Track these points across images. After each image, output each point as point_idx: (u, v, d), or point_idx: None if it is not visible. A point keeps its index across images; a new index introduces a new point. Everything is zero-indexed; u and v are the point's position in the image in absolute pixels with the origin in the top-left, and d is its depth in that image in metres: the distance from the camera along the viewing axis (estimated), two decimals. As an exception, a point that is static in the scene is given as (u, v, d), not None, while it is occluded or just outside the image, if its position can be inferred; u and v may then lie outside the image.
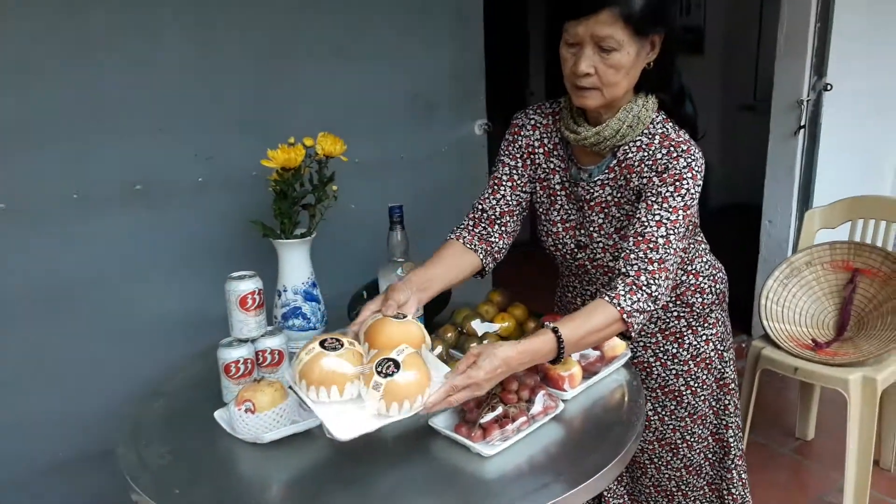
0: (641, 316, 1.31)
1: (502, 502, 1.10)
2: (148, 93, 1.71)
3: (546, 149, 1.52)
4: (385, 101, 2.05)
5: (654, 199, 1.36)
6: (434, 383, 1.16)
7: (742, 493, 1.77)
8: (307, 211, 1.64)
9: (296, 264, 1.63)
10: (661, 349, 1.64)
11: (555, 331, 1.26)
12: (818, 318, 2.48)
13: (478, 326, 1.58)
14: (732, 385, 1.73)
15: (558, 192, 1.53)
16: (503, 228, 1.54)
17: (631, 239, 1.35)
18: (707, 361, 1.66)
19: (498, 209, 1.53)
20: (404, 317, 1.25)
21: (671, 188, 1.35)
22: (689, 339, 1.63)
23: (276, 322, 1.64)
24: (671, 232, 1.33)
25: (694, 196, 1.36)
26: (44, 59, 1.58)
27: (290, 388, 1.19)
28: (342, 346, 1.15)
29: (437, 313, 1.77)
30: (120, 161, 1.70)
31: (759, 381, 2.47)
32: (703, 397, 1.68)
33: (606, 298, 1.31)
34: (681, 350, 1.64)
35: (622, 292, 1.31)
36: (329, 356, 1.12)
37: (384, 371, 1.10)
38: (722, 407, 1.72)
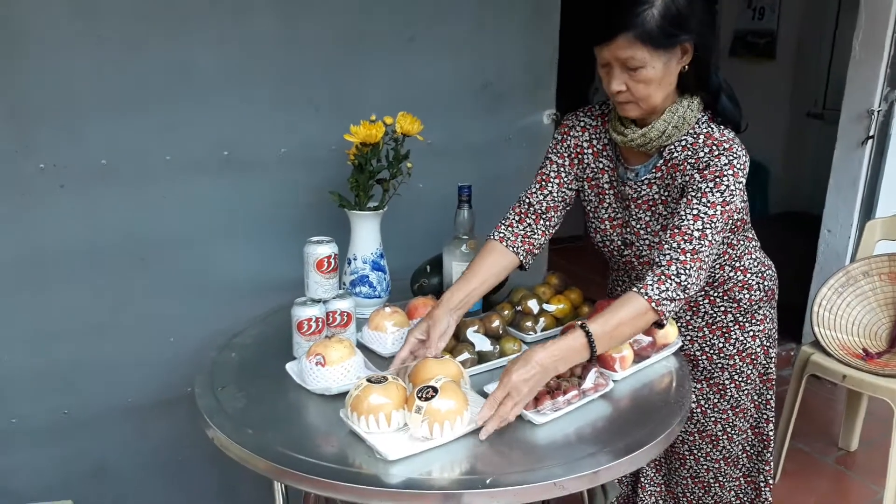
0: (672, 304, 1.35)
1: (549, 465, 1.17)
2: (236, 67, 1.82)
3: (595, 149, 1.58)
4: (457, 87, 2.12)
5: (693, 194, 1.40)
6: (472, 409, 1.24)
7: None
8: (381, 185, 1.74)
9: (366, 235, 1.73)
10: (708, 343, 1.69)
11: (583, 326, 1.32)
12: (871, 328, 2.48)
13: (534, 306, 1.66)
14: (774, 380, 1.76)
15: (606, 192, 1.58)
16: (547, 223, 1.60)
17: (668, 231, 1.40)
18: (753, 357, 1.70)
19: (544, 204, 1.59)
20: (443, 356, 1.34)
21: (711, 184, 1.38)
22: (735, 333, 1.67)
23: (345, 288, 1.74)
24: (707, 226, 1.37)
25: (734, 192, 1.39)
26: (143, 36, 1.71)
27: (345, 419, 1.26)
28: (387, 380, 1.25)
29: (493, 293, 1.85)
30: (209, 129, 1.82)
31: (806, 389, 2.48)
32: (746, 391, 1.72)
33: (635, 290, 1.36)
34: (727, 345, 1.68)
35: (650, 282, 1.35)
36: (376, 390, 1.22)
37: (424, 396, 1.19)
38: (764, 401, 1.76)
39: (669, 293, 1.34)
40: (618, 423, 1.33)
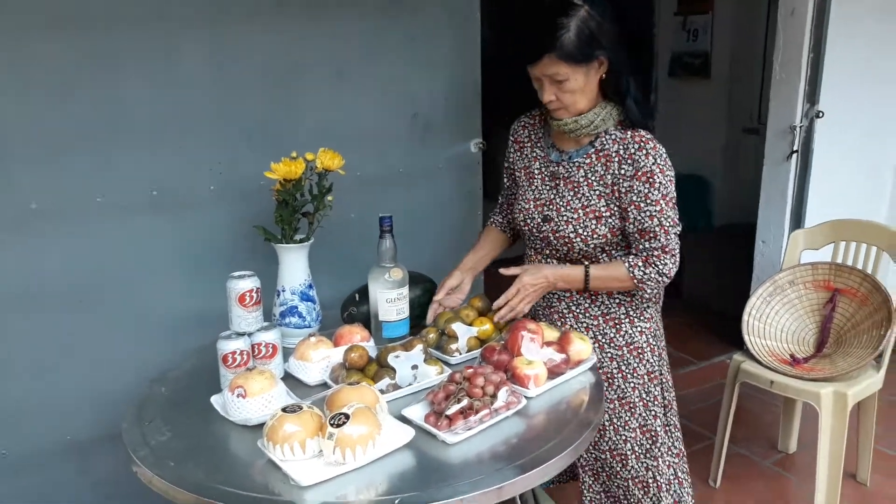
0: (651, 283, 1.71)
1: (457, 483, 1.23)
2: (166, 108, 1.88)
3: (532, 141, 1.86)
4: (386, 119, 2.20)
5: (636, 198, 1.67)
6: (385, 433, 1.30)
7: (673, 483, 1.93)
8: (306, 218, 1.80)
9: (294, 267, 1.78)
10: (601, 332, 1.85)
11: (586, 267, 1.70)
12: (798, 335, 2.58)
13: (458, 328, 1.72)
14: (662, 379, 1.91)
15: (535, 175, 1.83)
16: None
17: (636, 234, 1.70)
18: (639, 351, 1.86)
19: (511, 196, 1.96)
20: (358, 383, 1.41)
21: (647, 185, 1.66)
22: (625, 326, 1.84)
23: (274, 319, 1.79)
24: (663, 219, 1.68)
25: (667, 185, 1.68)
26: (74, 76, 1.77)
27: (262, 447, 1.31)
28: (301, 409, 1.30)
29: (424, 317, 1.92)
30: (139, 169, 1.87)
31: (747, 395, 2.56)
32: (632, 385, 1.86)
33: (626, 265, 1.70)
34: (617, 335, 1.85)
35: (639, 264, 1.70)
36: (290, 419, 1.27)
37: (336, 422, 1.25)
38: (651, 398, 1.88)
39: (651, 276, 1.70)
40: (529, 439, 1.39)
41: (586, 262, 1.75)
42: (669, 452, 1.94)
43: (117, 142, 1.83)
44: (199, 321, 1.95)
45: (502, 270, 1.77)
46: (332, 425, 1.25)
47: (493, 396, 1.42)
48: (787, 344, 2.57)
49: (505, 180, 1.97)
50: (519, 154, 1.88)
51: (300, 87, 2.05)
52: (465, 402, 1.38)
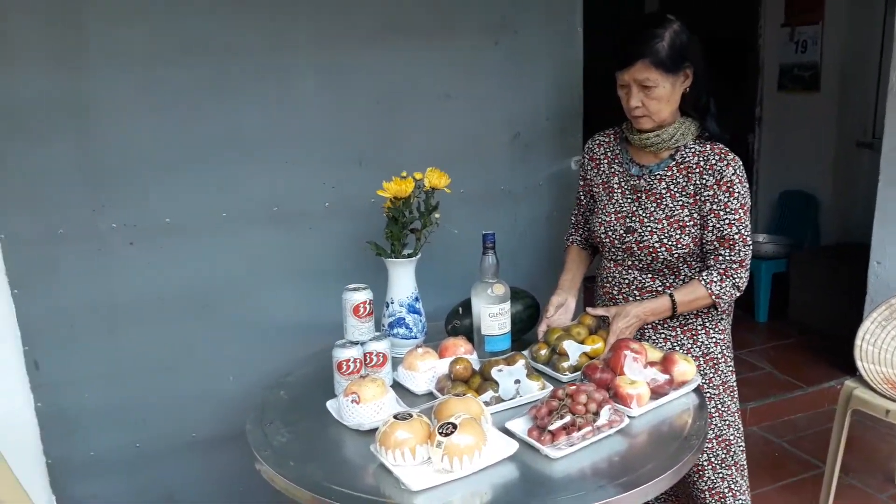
0: (727, 298, 1.77)
1: (563, 497, 1.26)
2: (284, 129, 2.03)
3: (608, 158, 1.92)
4: (488, 138, 2.27)
5: (716, 206, 1.75)
6: (490, 444, 1.35)
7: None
8: (414, 234, 1.88)
9: (402, 280, 1.87)
10: (678, 342, 1.89)
11: (671, 295, 1.77)
12: (917, 362, 2.46)
13: (569, 346, 1.75)
14: (735, 389, 1.95)
15: (615, 189, 1.89)
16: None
17: (715, 242, 1.76)
18: (714, 362, 1.90)
19: (583, 216, 2.04)
20: (464, 395, 1.47)
21: (727, 195, 1.74)
22: (702, 337, 1.89)
23: (383, 329, 1.89)
24: (741, 227, 1.75)
25: (746, 195, 1.76)
26: (201, 100, 1.94)
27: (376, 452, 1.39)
28: (411, 417, 1.37)
29: (526, 332, 1.96)
30: (261, 187, 2.02)
31: (861, 424, 2.46)
32: (708, 395, 1.88)
33: (703, 283, 1.76)
34: (694, 346, 1.89)
35: (715, 279, 1.76)
36: (401, 426, 1.35)
37: (444, 431, 1.31)
38: (725, 408, 1.91)
39: (727, 289, 1.76)
40: (631, 458, 1.41)
41: (671, 281, 1.83)
42: (741, 463, 1.97)
43: (241, 161, 1.99)
44: (313, 329, 2.07)
45: (589, 310, 1.84)
46: (440, 434, 1.31)
47: (596, 414, 1.45)
48: (904, 371, 2.45)
49: (580, 197, 2.04)
50: (596, 171, 1.94)
51: (408, 108, 2.15)
52: (567, 418, 1.41)
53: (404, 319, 1.87)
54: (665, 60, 1.67)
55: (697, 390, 1.65)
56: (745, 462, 1.98)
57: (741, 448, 1.97)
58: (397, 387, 1.69)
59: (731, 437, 1.92)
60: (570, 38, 2.27)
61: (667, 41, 1.67)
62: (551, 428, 1.40)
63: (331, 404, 1.60)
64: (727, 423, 1.91)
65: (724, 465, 1.92)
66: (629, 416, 1.51)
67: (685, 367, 1.63)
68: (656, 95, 1.70)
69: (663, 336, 1.89)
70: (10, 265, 1.84)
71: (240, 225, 2.01)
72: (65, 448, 1.98)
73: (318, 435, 1.52)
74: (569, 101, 2.31)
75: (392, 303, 1.87)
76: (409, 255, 1.86)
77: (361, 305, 1.67)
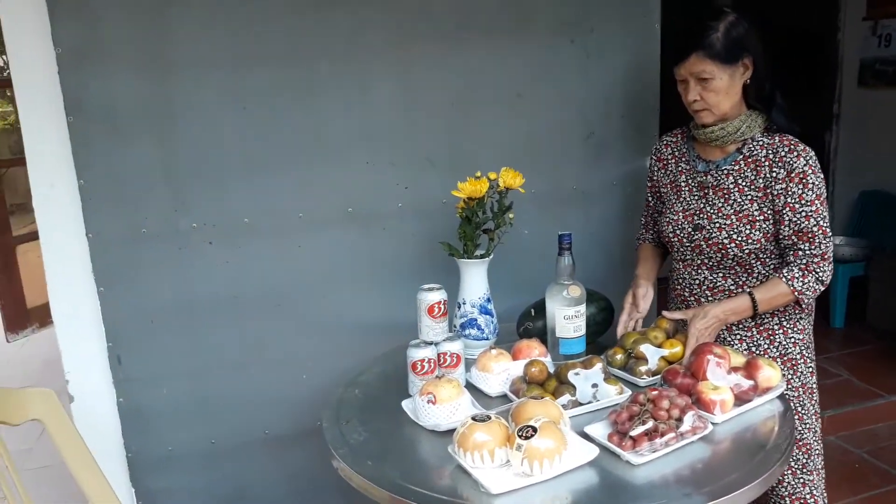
0: (811, 293, 1.71)
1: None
2: (360, 130, 2.04)
3: (675, 157, 1.91)
4: (561, 138, 2.24)
5: (791, 199, 1.69)
6: (570, 449, 1.32)
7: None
8: (487, 235, 1.87)
9: (474, 281, 1.86)
10: (755, 343, 1.84)
11: (750, 294, 1.71)
12: None
13: (647, 350, 1.71)
14: (813, 393, 1.88)
15: (682, 188, 1.87)
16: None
17: (793, 237, 1.71)
18: (793, 363, 1.83)
19: (652, 215, 2.03)
20: (541, 398, 1.44)
21: (800, 186, 1.68)
22: (779, 337, 1.83)
23: (455, 330, 1.88)
24: (819, 219, 1.69)
25: (820, 186, 1.69)
26: (279, 105, 1.97)
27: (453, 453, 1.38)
28: (490, 419, 1.35)
29: (600, 335, 1.93)
30: (336, 188, 2.05)
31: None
32: (790, 397, 1.81)
33: (784, 280, 1.69)
34: (771, 346, 1.83)
35: (797, 275, 1.69)
36: (480, 428, 1.33)
37: (524, 434, 1.29)
38: (805, 411, 1.85)
39: (811, 285, 1.69)
40: (716, 466, 1.37)
41: (744, 279, 1.79)
42: (820, 469, 1.90)
43: (317, 164, 2.02)
44: (385, 329, 2.08)
45: (665, 314, 1.80)
46: (520, 437, 1.30)
47: (679, 420, 1.41)
48: None
49: (648, 198, 2.03)
50: (664, 171, 1.93)
51: (480, 108, 2.14)
52: (650, 423, 1.38)
53: (476, 320, 1.86)
54: (720, 52, 1.65)
55: (782, 397, 1.59)
56: (823, 469, 1.92)
57: (820, 454, 1.90)
58: (470, 388, 1.68)
59: (812, 442, 1.87)
60: (647, 34, 2.22)
61: (721, 32, 1.66)
62: (633, 433, 1.37)
63: (406, 404, 1.60)
64: (807, 426, 1.85)
65: (805, 470, 1.86)
66: (712, 423, 1.46)
67: (770, 373, 1.57)
68: (714, 88, 1.68)
69: (738, 337, 1.85)
70: (96, 264, 1.91)
71: (315, 226, 2.04)
72: (144, 442, 2.04)
73: (393, 434, 1.52)
74: (645, 99, 2.26)
75: (464, 303, 1.87)
76: (482, 256, 1.85)
77: (436, 306, 1.67)
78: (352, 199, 2.06)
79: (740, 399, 1.53)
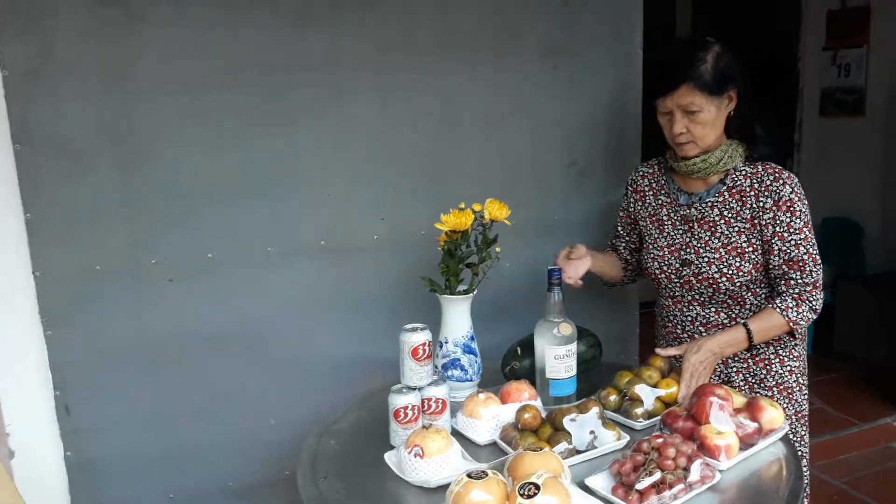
0: (805, 323, 1.68)
1: (660, 567, 1.13)
2: (333, 159, 1.92)
3: (654, 190, 1.85)
4: (543, 167, 2.16)
5: (780, 228, 1.66)
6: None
7: None
8: (470, 269, 1.77)
9: (457, 318, 1.75)
10: (751, 373, 1.79)
11: (745, 325, 1.65)
12: None
13: (642, 391, 1.61)
14: (807, 417, 1.86)
15: (665, 222, 1.81)
16: (626, 263, 1.98)
17: (783, 266, 1.67)
18: (789, 391, 1.80)
19: (619, 250, 1.98)
20: (540, 449, 1.34)
21: (788, 214, 1.66)
22: (775, 367, 1.78)
23: (437, 371, 1.76)
24: (809, 246, 1.67)
25: (807, 213, 1.68)
26: (250, 131, 1.84)
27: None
28: (486, 475, 1.23)
29: (590, 372, 1.83)
30: (308, 219, 1.92)
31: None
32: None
33: (778, 310, 1.65)
34: (768, 377, 1.79)
35: (790, 305, 1.66)
36: (477, 486, 1.21)
37: (526, 493, 1.18)
38: (798, 438, 1.81)
39: (804, 314, 1.66)
40: (727, 518, 1.28)
41: (736, 312, 1.74)
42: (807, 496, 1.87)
43: (288, 194, 1.89)
44: (360, 369, 1.97)
45: (659, 351, 1.72)
46: (521, 496, 1.19)
47: (686, 469, 1.31)
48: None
49: (619, 229, 1.97)
50: (642, 203, 1.87)
51: (461, 135, 2.05)
52: (657, 475, 1.28)
53: (459, 360, 1.75)
54: (710, 83, 1.61)
55: (785, 439, 1.52)
56: (808, 497, 1.89)
57: (805, 476, 1.82)
58: (456, 435, 1.56)
59: (803, 469, 1.78)
60: (629, 60, 2.17)
61: (710, 63, 1.62)
62: (640, 487, 1.27)
63: (389, 457, 1.47)
64: (800, 453, 1.78)
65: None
66: (719, 471, 1.37)
67: (774, 414, 1.50)
68: (701, 120, 1.64)
69: (734, 369, 1.80)
70: (43, 304, 1.74)
71: (286, 260, 1.90)
72: (93, 500, 1.85)
73: (377, 493, 1.40)
74: (627, 128, 2.20)
75: (446, 342, 1.75)
76: (466, 292, 1.74)
77: (420, 347, 1.55)
78: (325, 232, 1.93)
79: (744, 443, 1.44)
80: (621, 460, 1.34)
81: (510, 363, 1.82)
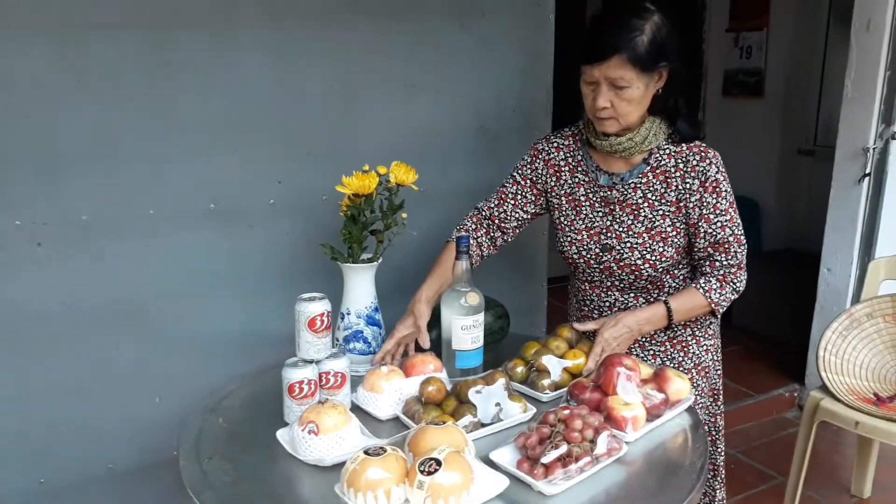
0: (726, 303, 1.63)
1: (564, 543, 1.09)
2: (225, 116, 1.77)
3: (570, 165, 1.71)
4: (452, 132, 2.07)
5: (706, 210, 1.59)
6: (478, 482, 1.15)
7: None
8: (375, 237, 1.67)
9: (360, 288, 1.65)
10: (669, 356, 1.75)
11: (665, 303, 1.60)
12: (880, 371, 2.41)
13: (549, 362, 1.57)
14: (719, 394, 1.86)
15: (583, 203, 1.69)
16: (496, 237, 1.78)
17: (709, 248, 1.61)
18: (706, 370, 1.78)
19: (497, 220, 1.77)
20: (443, 423, 1.26)
21: (714, 195, 1.59)
22: (692, 347, 1.75)
23: (337, 344, 1.66)
24: (734, 227, 1.60)
25: (731, 193, 1.62)
26: (129, 80, 1.66)
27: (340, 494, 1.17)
28: (385, 452, 1.16)
29: (497, 343, 1.78)
30: (195, 180, 1.76)
31: (815, 434, 2.39)
32: (700, 405, 1.77)
33: (700, 290, 1.61)
34: (686, 358, 1.75)
35: (714, 286, 1.61)
36: (374, 463, 1.13)
37: (427, 469, 1.11)
38: (710, 415, 1.82)
39: (727, 296, 1.62)
40: (633, 490, 1.25)
41: (655, 296, 1.68)
42: (719, 466, 1.89)
43: (173, 151, 1.73)
44: (253, 343, 1.84)
45: (577, 326, 1.65)
46: (422, 472, 1.11)
47: (593, 442, 1.27)
48: (868, 382, 2.39)
49: (498, 199, 1.75)
50: (556, 180, 1.72)
51: (366, 98, 1.94)
52: (563, 448, 1.23)
53: (362, 332, 1.66)
54: (643, 57, 1.48)
55: (691, 409, 1.51)
56: (722, 469, 1.89)
57: (721, 452, 1.88)
58: (356, 411, 1.47)
59: (717, 440, 1.86)
60: (540, 25, 2.10)
61: (647, 35, 1.48)
62: (545, 460, 1.21)
63: (282, 434, 1.36)
64: (704, 422, 1.78)
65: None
66: (626, 442, 1.34)
67: (680, 385, 1.48)
68: (627, 96, 1.51)
69: (651, 352, 1.76)
70: None
71: (170, 223, 1.74)
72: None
73: (267, 473, 1.28)
74: (538, 93, 2.14)
75: (348, 314, 1.66)
76: (370, 260, 1.64)
77: (318, 318, 1.44)
78: (214, 194, 1.78)
79: (651, 414, 1.42)
80: (527, 433, 1.28)
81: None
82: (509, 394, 1.45)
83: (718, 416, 1.86)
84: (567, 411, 1.30)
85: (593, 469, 1.24)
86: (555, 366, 1.57)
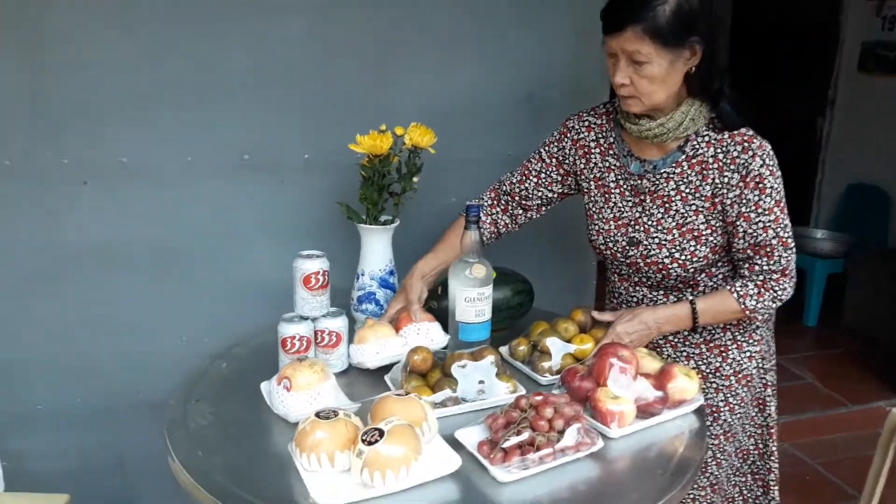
0: (765, 311, 1.46)
1: (502, 532, 1.04)
2: (263, 69, 1.80)
3: (602, 148, 1.56)
4: (496, 98, 1.99)
5: (745, 209, 1.42)
6: (425, 458, 1.12)
7: None
8: (393, 199, 1.65)
9: (376, 250, 1.64)
10: (705, 361, 1.60)
11: (691, 303, 1.46)
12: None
13: (553, 344, 1.50)
14: (765, 405, 1.66)
15: (612, 190, 1.56)
16: (517, 215, 1.67)
17: (748, 251, 1.44)
18: (748, 379, 1.61)
19: (518, 196, 1.65)
20: (407, 394, 1.23)
21: (757, 192, 1.41)
22: (733, 353, 1.59)
23: (352, 304, 1.67)
24: (779, 229, 1.42)
25: (779, 190, 1.42)
26: (173, 34, 1.72)
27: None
28: (336, 416, 1.14)
29: (516, 319, 1.72)
30: (232, 131, 1.81)
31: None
32: (738, 415, 1.63)
33: (735, 294, 1.45)
34: (724, 364, 1.59)
35: (751, 292, 1.45)
36: (321, 426, 1.12)
37: (368, 439, 1.08)
38: (755, 426, 1.68)
39: (765, 303, 1.45)
40: (603, 488, 1.18)
41: (689, 296, 1.53)
42: (760, 473, 1.72)
43: (212, 102, 1.78)
44: (278, 294, 1.85)
45: (595, 315, 1.55)
46: (363, 441, 1.09)
47: (561, 433, 1.20)
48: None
49: (521, 175, 1.64)
50: (585, 162, 1.58)
51: (405, 57, 1.90)
52: (525, 435, 1.17)
53: (374, 294, 1.65)
54: (664, 29, 1.30)
55: (700, 412, 1.38)
56: (775, 487, 1.72)
57: (771, 470, 1.70)
58: (353, 371, 1.47)
59: (751, 447, 1.69)
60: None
61: (671, 5, 1.30)
62: (504, 445, 1.16)
63: (264, 386, 1.40)
64: (748, 433, 1.68)
65: (738, 473, 1.71)
66: (608, 438, 1.26)
67: (684, 384, 1.36)
68: (648, 73, 1.34)
69: (685, 354, 1.61)
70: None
71: (205, 173, 1.80)
72: (8, 402, 1.84)
73: (243, 420, 1.33)
74: (594, 59, 1.99)
75: (363, 275, 1.65)
76: (386, 223, 1.63)
77: (313, 276, 1.45)
78: (250, 146, 1.82)
79: (645, 412, 1.32)
80: (496, 414, 1.24)
81: (429, 302, 1.70)
82: (500, 372, 1.40)
83: (767, 429, 1.68)
84: (540, 398, 1.23)
85: (556, 462, 1.18)
86: (559, 349, 1.49)
